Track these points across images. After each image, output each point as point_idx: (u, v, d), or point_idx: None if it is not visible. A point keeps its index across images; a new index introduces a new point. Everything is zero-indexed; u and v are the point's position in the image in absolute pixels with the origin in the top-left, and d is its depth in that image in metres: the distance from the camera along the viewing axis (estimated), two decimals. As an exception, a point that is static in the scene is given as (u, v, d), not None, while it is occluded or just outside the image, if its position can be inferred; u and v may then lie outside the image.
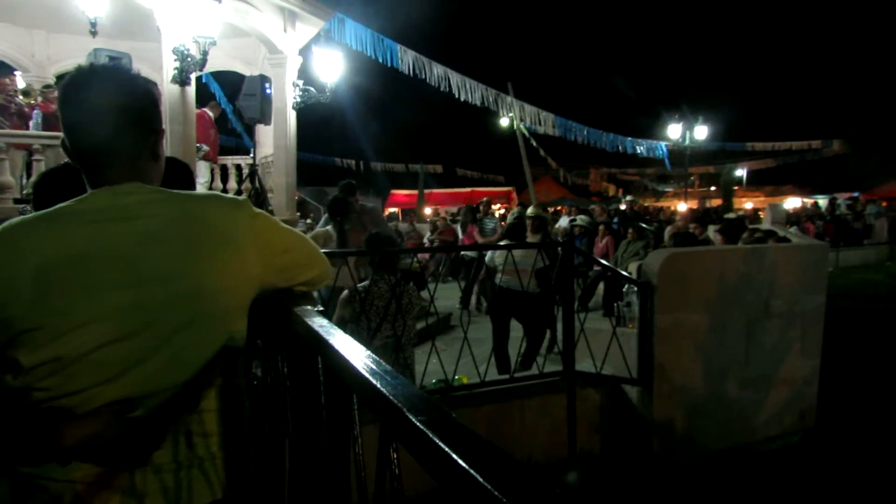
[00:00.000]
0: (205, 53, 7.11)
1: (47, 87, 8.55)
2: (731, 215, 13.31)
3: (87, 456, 1.09)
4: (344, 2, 11.13)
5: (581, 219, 11.62)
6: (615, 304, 7.76)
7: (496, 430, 4.60)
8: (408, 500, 0.90)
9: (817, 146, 28.26)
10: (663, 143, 23.03)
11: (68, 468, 1.09)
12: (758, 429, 5.20)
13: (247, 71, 9.91)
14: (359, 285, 4.24)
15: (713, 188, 37.10)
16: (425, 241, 14.21)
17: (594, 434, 4.99)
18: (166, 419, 1.16)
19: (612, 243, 10.26)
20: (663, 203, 30.44)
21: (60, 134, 1.23)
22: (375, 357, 0.92)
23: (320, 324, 1.17)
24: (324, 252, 1.54)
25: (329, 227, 5.70)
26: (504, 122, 21.25)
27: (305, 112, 9.81)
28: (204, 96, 10.33)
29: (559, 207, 23.79)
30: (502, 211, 24.22)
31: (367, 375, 0.85)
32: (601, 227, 10.89)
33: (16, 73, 9.28)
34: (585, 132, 21.04)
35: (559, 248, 5.59)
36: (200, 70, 7.65)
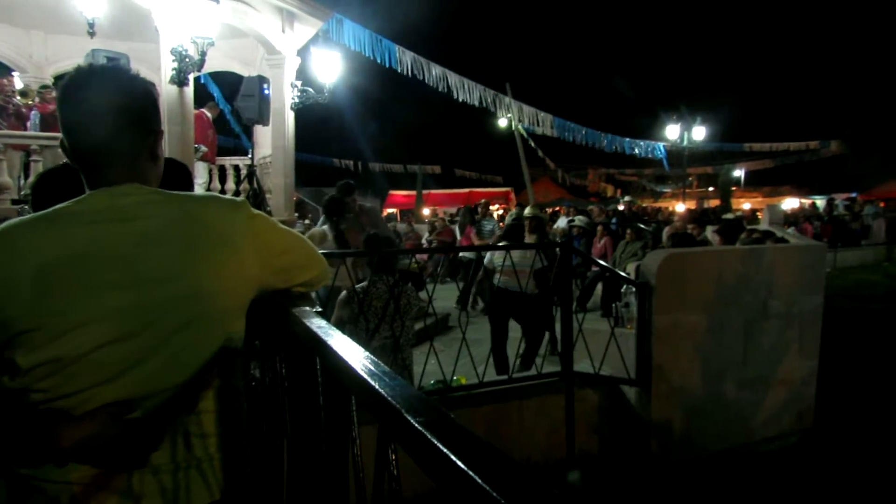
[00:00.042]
0: (203, 54, 7.10)
1: (45, 87, 8.53)
2: (730, 216, 13.32)
3: (85, 457, 1.09)
4: (342, 2, 11.13)
5: (579, 219, 11.64)
6: (613, 305, 7.77)
7: (495, 431, 4.60)
8: (406, 501, 0.90)
9: (815, 147, 28.29)
10: (661, 144, 23.03)
11: (65, 469, 1.09)
12: (756, 429, 5.20)
13: (245, 71, 9.90)
14: (357, 286, 4.23)
15: (711, 189, 37.11)
16: (424, 241, 14.21)
17: (592, 434, 5.00)
18: (164, 420, 1.15)
19: (610, 244, 10.27)
20: (661, 203, 30.46)
21: (58, 135, 1.23)
22: (374, 358, 0.92)
23: (318, 325, 1.17)
24: (322, 253, 1.54)
25: (325, 227, 5.71)
26: (502, 122, 21.25)
27: (304, 113, 9.80)
28: (202, 97, 10.34)
29: (557, 208, 23.77)
30: (500, 212, 24.23)
31: (365, 376, 0.85)
32: (599, 228, 10.90)
33: (14, 73, 9.26)
34: (583, 133, 21.05)
35: (557, 249, 5.60)
36: (198, 71, 7.64)
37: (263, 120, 8.66)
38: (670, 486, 4.57)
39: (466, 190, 31.24)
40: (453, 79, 14.67)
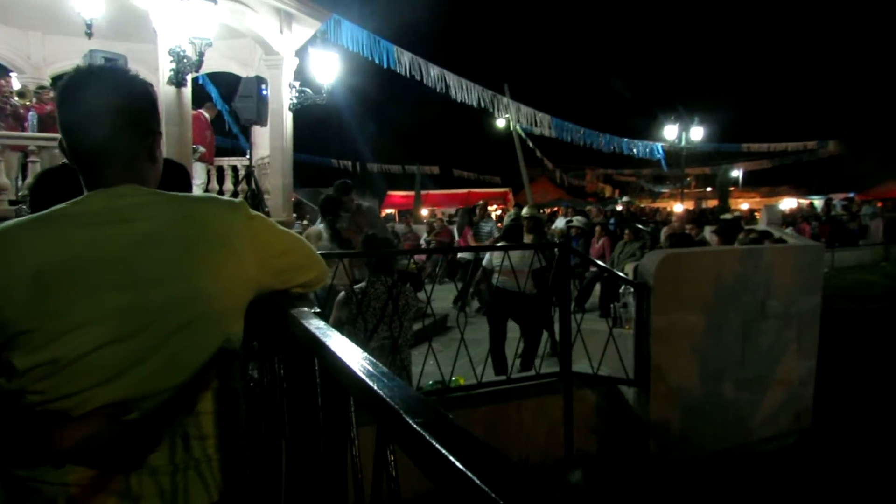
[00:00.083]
0: (201, 55, 7.10)
1: (41, 88, 8.53)
2: (728, 216, 13.33)
3: (82, 459, 1.09)
4: (340, 3, 11.14)
5: (577, 220, 11.64)
6: (612, 305, 7.77)
7: (493, 432, 4.60)
8: (404, 501, 0.90)
9: (813, 147, 28.35)
10: (659, 144, 23.06)
11: (63, 471, 1.08)
12: (754, 430, 5.21)
13: (243, 72, 9.90)
14: (355, 287, 4.23)
15: (709, 189, 37.14)
16: (422, 242, 14.21)
17: (591, 435, 5.00)
18: (162, 422, 1.15)
19: (608, 244, 10.27)
20: (660, 204, 30.49)
21: (56, 135, 1.23)
22: (372, 359, 0.92)
23: (317, 325, 1.17)
24: (321, 253, 1.54)
25: (321, 226, 5.72)
26: (500, 123, 21.26)
27: (302, 113, 9.80)
28: (200, 98, 10.33)
29: (556, 208, 23.79)
30: (499, 212, 24.24)
31: (363, 377, 0.85)
32: (597, 228, 10.91)
33: (11, 74, 9.26)
34: (582, 133, 21.09)
35: (556, 249, 5.60)
36: (196, 71, 7.64)
37: (261, 121, 8.66)
38: (668, 486, 4.57)
39: (465, 190, 31.25)
40: (451, 79, 14.69)
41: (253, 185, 8.51)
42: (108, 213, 1.14)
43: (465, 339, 4.41)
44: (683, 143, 20.41)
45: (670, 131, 20.39)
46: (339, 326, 4.11)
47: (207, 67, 9.42)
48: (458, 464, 0.58)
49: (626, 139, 22.98)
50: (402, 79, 13.35)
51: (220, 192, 9.20)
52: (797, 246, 6.26)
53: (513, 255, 5.12)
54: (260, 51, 9.46)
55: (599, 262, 6.94)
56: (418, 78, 13.65)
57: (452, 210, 21.93)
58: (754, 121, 38.13)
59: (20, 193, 6.74)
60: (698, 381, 4.94)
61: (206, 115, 9.52)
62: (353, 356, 0.94)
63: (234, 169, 10.02)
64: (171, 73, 7.16)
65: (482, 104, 16.17)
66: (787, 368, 5.33)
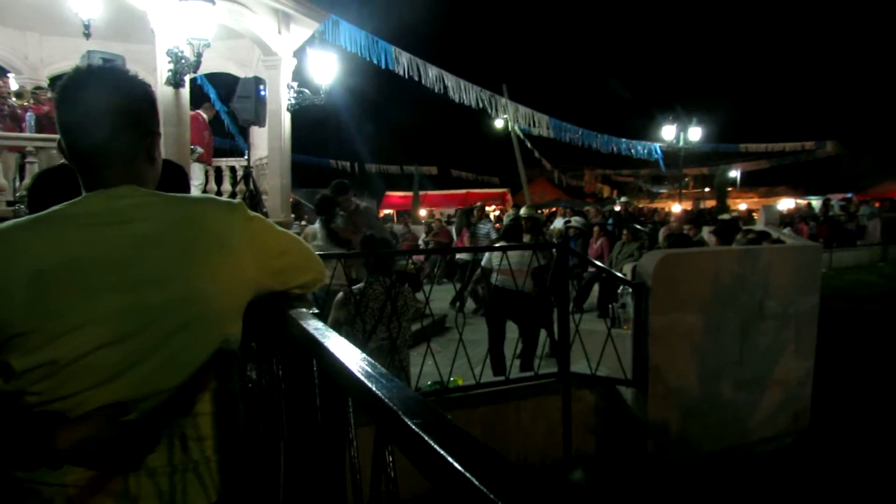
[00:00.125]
0: (199, 55, 7.09)
1: (38, 88, 8.52)
2: (726, 216, 13.34)
3: (80, 460, 1.08)
4: (339, 4, 11.14)
5: (576, 220, 11.65)
6: (610, 306, 7.79)
7: (492, 432, 4.60)
8: (403, 502, 0.90)
9: (811, 147, 28.37)
10: (657, 145, 23.07)
11: (60, 472, 1.08)
12: (752, 430, 5.21)
13: (241, 73, 9.89)
14: (354, 287, 4.23)
15: (707, 189, 37.16)
16: (420, 242, 14.22)
17: (589, 435, 5.00)
18: (161, 423, 1.15)
19: (606, 245, 10.28)
20: (658, 204, 30.53)
21: (54, 136, 1.23)
22: (370, 359, 0.92)
23: (315, 326, 1.17)
24: (319, 254, 1.54)
25: (317, 226, 5.74)
26: (499, 123, 21.28)
27: (300, 114, 9.80)
28: (198, 98, 10.31)
29: (554, 209, 23.80)
30: (497, 213, 24.25)
31: (362, 378, 0.85)
32: (596, 229, 10.92)
33: (9, 75, 9.25)
34: (580, 133, 21.09)
35: (554, 250, 5.61)
36: (194, 72, 7.62)
37: (259, 121, 8.65)
38: (667, 487, 4.58)
39: (463, 191, 31.26)
40: (450, 79, 14.69)
41: (251, 186, 8.50)
42: (106, 214, 1.14)
43: (463, 339, 4.41)
44: (681, 143, 20.43)
45: (668, 132, 20.41)
46: (338, 327, 4.10)
47: (205, 68, 9.41)
48: (456, 465, 0.58)
49: (624, 139, 22.99)
50: (401, 79, 13.36)
51: (219, 193, 9.19)
52: (795, 246, 6.26)
53: (512, 254, 5.12)
54: (258, 51, 9.46)
55: (598, 263, 6.94)
56: (416, 78, 13.65)
57: (451, 210, 21.93)
58: (752, 121, 38.20)
59: (18, 194, 6.73)
60: (696, 381, 4.94)
61: (204, 116, 9.50)
62: (351, 357, 0.94)
63: (233, 170, 10.01)
64: (169, 73, 7.15)
65: (480, 104, 16.17)
66: (785, 369, 5.33)
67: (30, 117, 7.49)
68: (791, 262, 5.44)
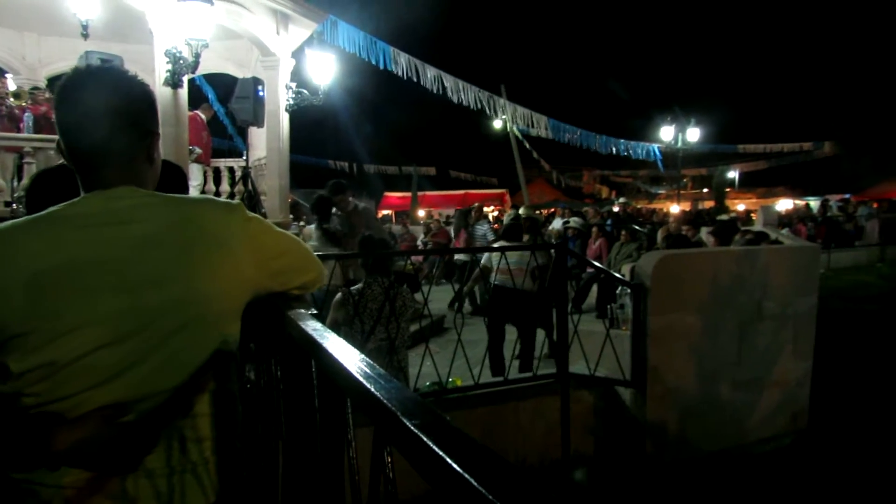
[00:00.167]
0: (197, 56, 7.09)
1: (36, 89, 8.52)
2: (724, 217, 13.36)
3: (78, 461, 1.08)
4: (337, 4, 11.15)
5: (574, 221, 11.66)
6: (608, 306, 7.79)
7: (490, 433, 4.60)
8: (401, 503, 0.90)
9: (809, 148, 28.42)
10: (656, 146, 23.11)
11: (58, 473, 1.08)
12: (750, 430, 5.22)
13: (239, 73, 9.89)
14: (352, 288, 4.23)
15: (705, 190, 37.22)
16: (419, 243, 14.22)
17: (588, 436, 5.00)
18: (159, 424, 1.15)
19: (605, 245, 10.30)
20: (656, 205, 30.57)
21: (51, 137, 1.23)
22: (369, 360, 0.92)
23: (314, 327, 1.17)
24: (318, 255, 1.54)
25: (314, 226, 5.77)
26: (497, 124, 21.30)
27: (298, 114, 9.80)
28: (196, 99, 10.30)
29: (553, 209, 23.81)
30: (496, 213, 24.25)
31: (360, 379, 0.84)
32: (594, 229, 10.93)
33: (7, 75, 9.24)
34: (578, 134, 21.12)
35: (552, 251, 5.61)
36: (193, 72, 7.62)
37: (258, 122, 8.65)
38: (665, 487, 4.58)
39: (462, 191, 31.29)
40: (448, 80, 14.70)
41: (249, 187, 8.50)
42: (105, 214, 1.14)
43: (462, 340, 4.41)
44: (680, 144, 20.46)
45: (667, 132, 20.45)
46: (336, 328, 4.10)
47: (204, 68, 9.41)
48: (454, 465, 0.58)
49: (622, 140, 23.03)
50: (399, 80, 13.37)
51: (217, 194, 9.19)
52: (793, 247, 6.27)
53: (511, 253, 5.12)
54: (256, 52, 9.46)
55: (596, 264, 6.96)
56: (415, 79, 13.66)
57: (450, 211, 21.95)
58: (750, 122, 38.26)
59: (16, 195, 6.72)
60: (695, 381, 4.95)
61: (203, 117, 9.51)
62: (349, 358, 0.94)
63: (231, 170, 10.01)
64: (168, 74, 7.15)
65: (479, 105, 16.18)
66: (784, 369, 5.34)
67: (28, 118, 7.48)
68: (789, 262, 5.44)
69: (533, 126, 19.81)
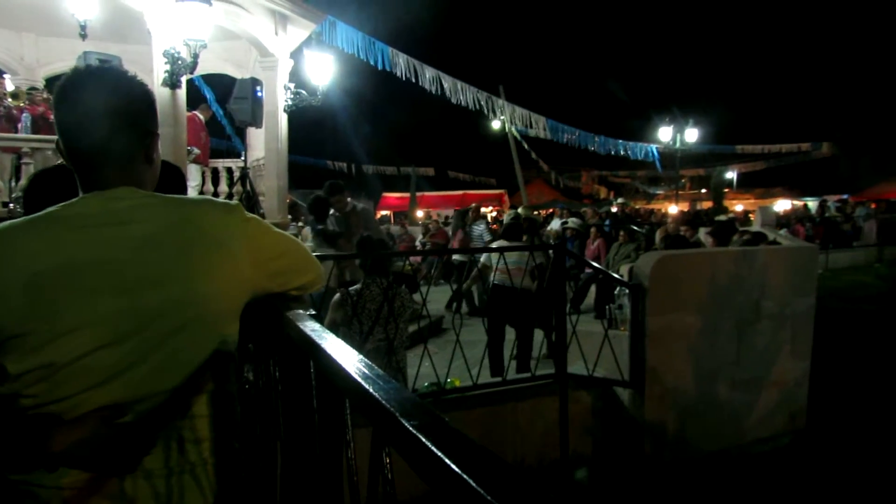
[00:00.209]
0: (195, 56, 7.08)
1: (33, 89, 8.50)
2: (722, 217, 13.37)
3: (76, 462, 1.08)
4: (336, 5, 11.15)
5: (572, 221, 11.66)
6: (607, 307, 7.79)
7: (488, 433, 4.60)
8: (400, 504, 0.90)
9: (807, 149, 28.46)
10: (654, 146, 23.14)
11: (56, 474, 1.08)
12: (748, 430, 5.22)
13: (238, 74, 9.88)
14: (351, 289, 4.23)
15: (704, 190, 37.28)
16: (417, 244, 14.22)
17: (586, 436, 5.00)
18: (157, 425, 1.15)
19: (603, 246, 10.30)
20: (654, 205, 30.60)
21: (49, 137, 1.23)
22: (367, 361, 0.92)
23: (312, 328, 1.17)
24: (316, 255, 1.54)
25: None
26: (496, 124, 21.33)
27: (297, 115, 9.79)
28: (195, 99, 10.30)
29: (551, 210, 23.83)
30: (494, 213, 24.26)
31: (359, 380, 0.84)
32: (592, 230, 10.93)
33: (5, 76, 9.22)
34: (577, 135, 21.13)
35: (550, 251, 5.61)
36: (191, 73, 7.62)
37: (256, 122, 8.64)
38: (663, 487, 4.58)
39: (460, 192, 31.32)
40: (447, 81, 14.70)
41: (248, 187, 8.49)
42: (103, 215, 1.14)
43: (460, 340, 4.41)
44: (678, 144, 20.48)
45: (665, 133, 20.47)
46: (335, 328, 4.10)
47: (202, 69, 9.41)
48: (453, 466, 0.58)
49: (621, 141, 23.06)
50: (398, 80, 13.38)
51: (215, 194, 9.17)
52: (791, 247, 6.28)
53: (511, 252, 5.12)
54: (255, 52, 9.45)
55: (595, 264, 6.95)
56: (413, 80, 13.66)
57: (449, 212, 21.96)
58: (748, 123, 38.31)
59: (14, 196, 6.71)
60: (693, 382, 4.95)
61: (201, 117, 9.50)
62: (348, 358, 0.94)
63: (229, 171, 9.99)
64: (166, 74, 7.14)
65: (477, 106, 16.19)
66: (782, 369, 5.34)
67: (26, 118, 7.46)
68: (787, 263, 5.45)
69: (531, 127, 19.84)
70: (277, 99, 9.23)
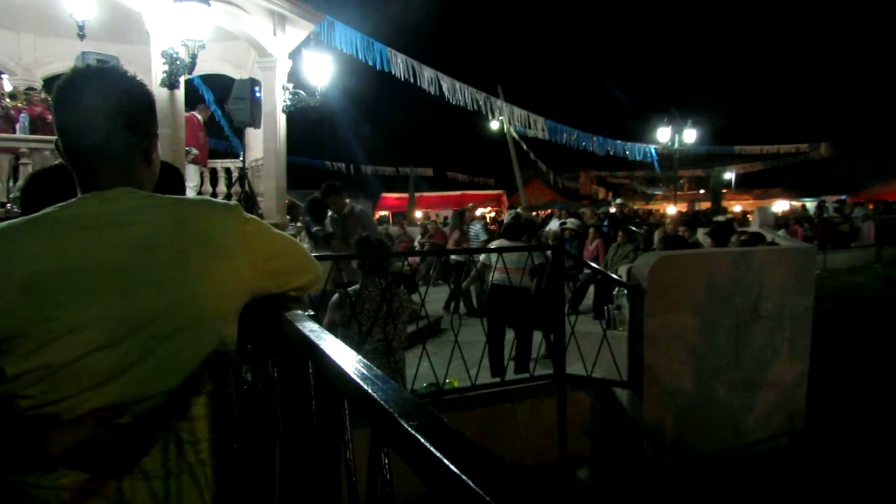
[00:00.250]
0: (194, 57, 7.08)
1: (31, 90, 8.48)
2: (720, 218, 13.39)
3: (74, 463, 1.08)
4: (334, 5, 11.16)
5: (571, 222, 11.66)
6: (605, 308, 7.80)
7: (487, 434, 4.60)
8: (399, 504, 0.90)
9: (805, 149, 28.49)
10: (653, 147, 23.15)
11: (55, 475, 1.08)
12: (747, 431, 5.22)
13: (236, 74, 9.87)
14: (349, 289, 4.23)
15: (702, 191, 37.33)
16: (416, 244, 14.21)
17: (585, 437, 5.00)
18: (155, 425, 1.15)
19: (602, 246, 10.30)
20: (653, 206, 30.64)
21: (47, 137, 1.22)
22: (366, 361, 0.92)
23: (311, 328, 1.16)
24: (315, 255, 1.54)
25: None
26: (494, 125, 21.34)
27: (295, 115, 9.79)
28: (193, 99, 10.30)
29: (549, 210, 23.83)
30: (492, 214, 24.28)
31: (357, 380, 0.84)
32: (591, 230, 10.94)
33: (2, 76, 9.21)
34: (575, 135, 21.14)
35: (549, 252, 5.61)
36: (189, 73, 7.62)
37: (255, 123, 8.64)
38: (662, 488, 4.58)
39: (459, 192, 31.33)
40: (445, 81, 14.70)
41: (246, 188, 8.48)
42: (102, 216, 1.14)
43: (459, 341, 4.41)
44: (676, 145, 20.50)
45: (663, 133, 20.48)
46: (333, 329, 4.10)
47: (201, 69, 9.40)
48: (452, 467, 0.58)
49: (619, 141, 23.08)
50: (396, 81, 13.38)
51: (214, 195, 9.16)
52: (790, 248, 6.28)
53: (511, 253, 5.13)
54: (253, 53, 9.45)
55: (593, 265, 6.96)
56: (412, 80, 13.66)
57: (448, 212, 21.97)
58: (747, 123, 38.25)
59: (11, 196, 6.70)
60: (692, 382, 4.95)
61: (199, 117, 9.49)
62: (346, 359, 0.94)
63: (228, 171, 9.98)
64: (164, 74, 7.13)
65: (476, 106, 16.19)
66: (780, 370, 5.35)
67: (23, 118, 7.45)
68: (786, 263, 5.46)
69: (530, 127, 19.84)
70: (276, 99, 9.24)
